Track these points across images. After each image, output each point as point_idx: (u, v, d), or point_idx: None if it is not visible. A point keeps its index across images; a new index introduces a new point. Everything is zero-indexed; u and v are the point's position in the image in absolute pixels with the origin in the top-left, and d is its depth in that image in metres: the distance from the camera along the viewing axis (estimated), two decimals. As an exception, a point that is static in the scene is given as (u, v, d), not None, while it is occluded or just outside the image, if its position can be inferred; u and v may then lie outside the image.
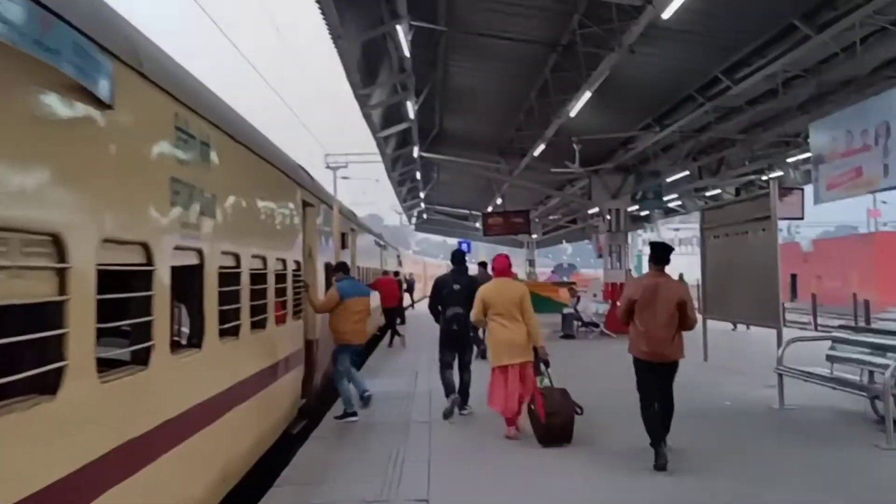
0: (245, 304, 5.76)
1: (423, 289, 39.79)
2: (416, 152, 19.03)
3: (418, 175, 24.77)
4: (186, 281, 4.75)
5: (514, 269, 23.46)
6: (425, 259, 62.56)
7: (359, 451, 7.06)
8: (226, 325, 5.30)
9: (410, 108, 13.46)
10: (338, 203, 12.42)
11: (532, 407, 7.08)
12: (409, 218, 45.91)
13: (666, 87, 13.35)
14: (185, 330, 5.05)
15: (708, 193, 26.36)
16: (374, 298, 18.09)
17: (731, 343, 12.30)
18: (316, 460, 6.80)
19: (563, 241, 51.26)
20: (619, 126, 16.63)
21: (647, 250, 7.11)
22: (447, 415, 8.20)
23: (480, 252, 54.17)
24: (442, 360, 8.41)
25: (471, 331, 8.47)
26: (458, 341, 8.36)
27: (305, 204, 8.84)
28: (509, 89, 15.36)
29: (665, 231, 68.70)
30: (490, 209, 29.60)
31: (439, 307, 8.46)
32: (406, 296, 24.71)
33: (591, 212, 26.76)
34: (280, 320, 7.19)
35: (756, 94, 13.20)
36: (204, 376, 4.74)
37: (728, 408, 8.94)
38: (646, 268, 6.68)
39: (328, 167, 47.23)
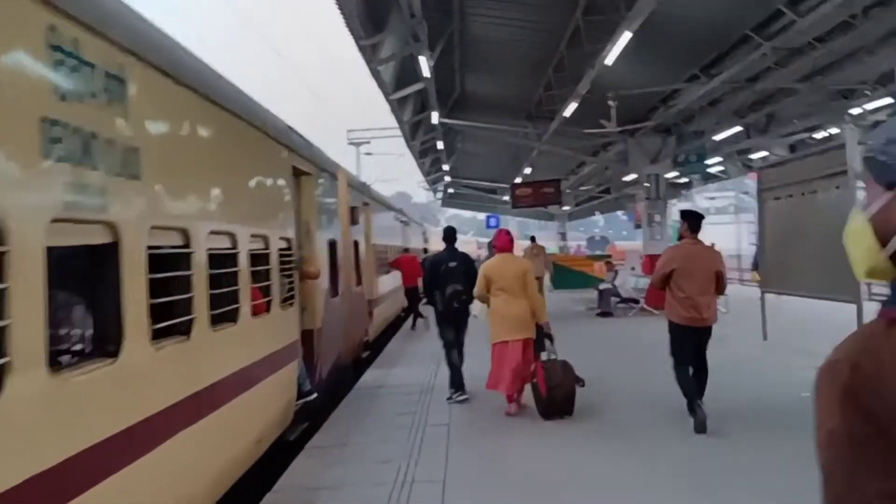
0: (201, 293, 4.45)
1: None
2: (435, 118, 17.49)
3: (440, 144, 23.19)
4: (88, 268, 3.47)
5: (544, 244, 22.17)
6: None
7: (362, 466, 5.87)
8: (166, 324, 4.02)
9: (424, 64, 11.95)
10: (345, 173, 11.05)
11: (534, 380, 7.15)
12: (435, 193, 44.48)
13: (719, 26, 11.50)
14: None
15: (753, 156, 24.39)
16: (396, 278, 16.92)
17: (787, 316, 10.85)
18: (307, 480, 5.62)
19: (596, 213, 49.27)
20: (660, 79, 14.84)
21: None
22: (450, 398, 8.23)
23: (511, 226, 52.41)
24: (445, 340, 8.39)
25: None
26: (458, 318, 8.36)
27: (298, 172, 7.52)
28: (536, 41, 13.72)
29: (700, 200, 66.11)
30: (518, 180, 27.97)
31: (435, 287, 8.35)
32: None
33: (626, 179, 25.02)
34: (260, 310, 5.89)
35: (826, 30, 11.31)
36: (121, 395, 3.46)
37: (806, 401, 7.53)
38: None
39: (350, 143, 46.11)
